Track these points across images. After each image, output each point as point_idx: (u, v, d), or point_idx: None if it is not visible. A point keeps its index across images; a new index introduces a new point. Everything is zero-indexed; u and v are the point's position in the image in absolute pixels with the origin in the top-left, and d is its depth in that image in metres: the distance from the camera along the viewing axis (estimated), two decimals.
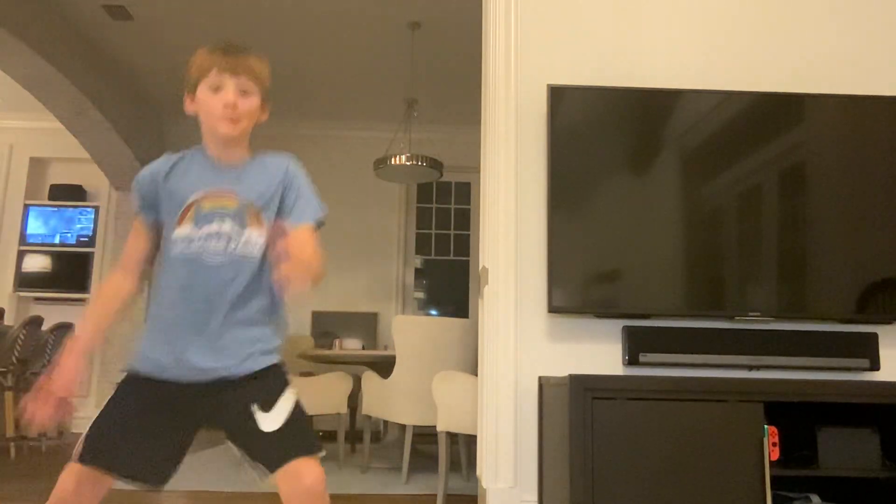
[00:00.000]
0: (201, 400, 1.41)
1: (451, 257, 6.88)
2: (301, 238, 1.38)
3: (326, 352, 4.65)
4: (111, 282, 1.54)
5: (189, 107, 1.51)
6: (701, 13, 2.96)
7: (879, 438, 2.38)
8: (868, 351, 2.63)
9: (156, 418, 1.41)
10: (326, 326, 6.29)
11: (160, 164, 1.52)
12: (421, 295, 6.74)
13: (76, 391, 1.44)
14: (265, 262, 1.45)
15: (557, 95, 2.76)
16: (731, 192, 2.72)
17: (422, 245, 6.86)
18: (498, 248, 2.77)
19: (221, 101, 1.44)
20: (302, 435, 1.41)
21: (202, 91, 1.46)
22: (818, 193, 2.73)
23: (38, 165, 6.89)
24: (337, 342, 5.08)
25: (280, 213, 1.49)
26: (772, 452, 2.28)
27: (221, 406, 1.41)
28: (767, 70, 2.91)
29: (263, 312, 1.46)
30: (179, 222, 1.44)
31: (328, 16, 4.79)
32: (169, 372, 1.41)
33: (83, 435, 1.42)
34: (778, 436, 2.32)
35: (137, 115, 6.19)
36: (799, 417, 2.43)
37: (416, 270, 6.76)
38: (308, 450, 1.38)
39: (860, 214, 2.71)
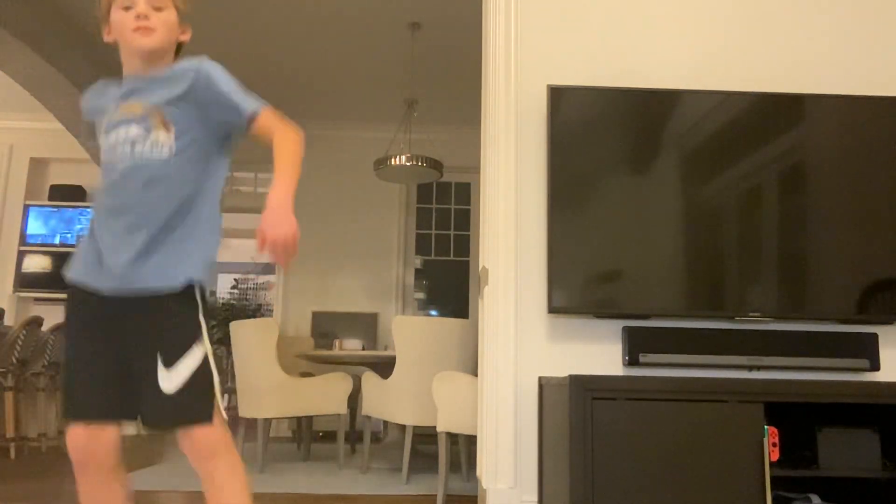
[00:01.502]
0: (121, 315, 1.42)
1: (451, 258, 6.88)
2: (282, 136, 1.46)
3: (326, 352, 4.65)
4: None
5: (107, 36, 1.52)
6: (700, 13, 2.96)
7: (879, 439, 2.38)
8: (868, 351, 2.63)
9: (95, 343, 1.43)
10: (326, 327, 6.29)
11: (98, 84, 1.58)
12: (421, 295, 6.74)
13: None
14: (182, 167, 1.45)
15: (557, 96, 2.76)
16: (731, 192, 2.72)
17: (422, 245, 6.86)
18: (498, 248, 2.77)
19: (132, 14, 1.46)
20: (197, 400, 1.40)
21: (115, 13, 1.48)
22: (818, 193, 2.73)
23: (38, 166, 6.89)
24: (337, 342, 5.08)
25: (209, 113, 1.48)
26: (772, 453, 2.28)
27: (134, 329, 1.42)
28: (767, 70, 2.91)
29: (185, 223, 1.45)
30: (101, 134, 1.49)
31: (328, 16, 4.79)
32: (93, 276, 1.43)
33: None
34: (778, 436, 2.32)
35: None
36: (799, 418, 2.43)
37: (417, 271, 6.76)
38: (200, 418, 1.39)
39: (860, 214, 2.71)
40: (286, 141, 1.47)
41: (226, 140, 1.54)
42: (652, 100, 2.78)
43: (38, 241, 6.70)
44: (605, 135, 2.77)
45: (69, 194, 6.77)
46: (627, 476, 2.26)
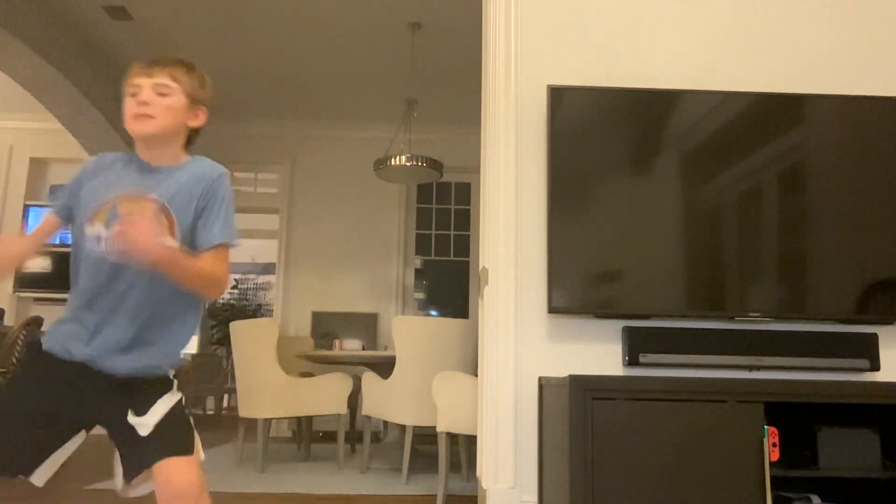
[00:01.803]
0: (92, 393, 1.44)
1: (451, 258, 6.88)
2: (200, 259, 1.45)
3: (326, 352, 4.65)
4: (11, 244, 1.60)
5: (124, 124, 1.53)
6: (701, 14, 2.96)
7: (879, 439, 2.38)
8: (868, 351, 2.63)
9: (46, 402, 1.44)
10: (326, 327, 6.29)
11: (102, 157, 1.56)
12: (421, 295, 6.74)
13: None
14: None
15: (557, 96, 2.76)
16: (731, 192, 2.72)
17: (422, 245, 6.86)
18: (498, 248, 2.77)
19: (136, 101, 1.47)
20: (175, 435, 1.43)
21: (125, 101, 1.50)
22: (818, 194, 2.73)
23: (38, 166, 6.89)
24: (337, 343, 5.08)
25: (195, 226, 1.50)
26: (772, 453, 2.28)
27: (106, 402, 1.45)
28: (767, 70, 2.91)
29: (171, 316, 1.50)
30: (91, 220, 1.48)
31: (328, 16, 4.79)
32: (74, 356, 1.44)
33: None
34: (778, 436, 2.32)
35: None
36: (799, 418, 2.43)
37: (416, 271, 6.76)
38: (179, 450, 1.41)
39: (860, 215, 2.71)
40: (211, 269, 1.48)
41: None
42: (652, 100, 2.78)
43: None
44: (605, 135, 2.77)
45: None
46: (627, 476, 2.26)
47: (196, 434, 1.48)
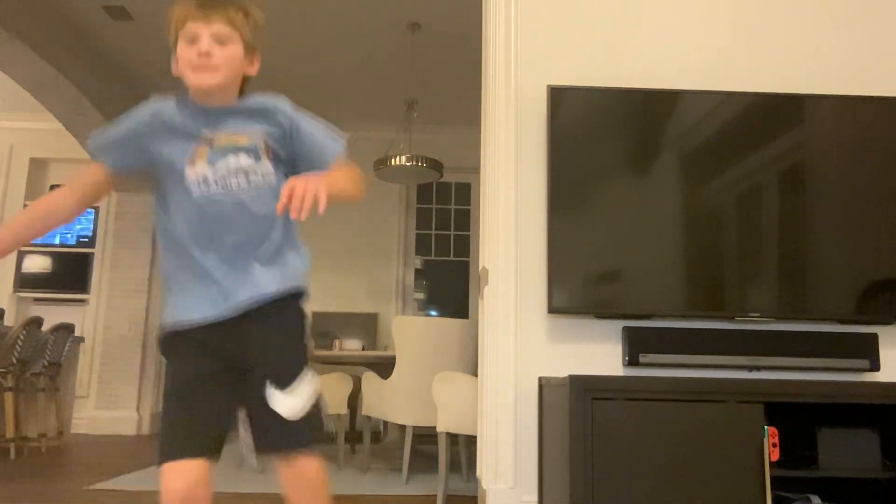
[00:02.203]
0: (233, 335, 1.39)
1: (451, 258, 6.88)
2: (336, 174, 1.40)
3: (326, 352, 4.65)
4: (52, 197, 1.49)
5: (174, 69, 1.43)
6: (701, 14, 2.96)
7: (879, 439, 2.38)
8: (868, 351, 2.63)
9: (207, 374, 1.38)
10: (326, 327, 6.29)
11: (152, 106, 1.45)
12: (421, 295, 6.74)
13: None
14: (277, 194, 1.39)
15: (557, 96, 2.76)
16: (731, 192, 2.72)
17: (422, 246, 6.86)
18: (498, 248, 2.77)
19: (195, 50, 1.37)
20: (311, 425, 1.39)
21: (180, 46, 1.40)
22: (818, 194, 2.73)
23: (38, 166, 6.89)
24: (337, 343, 5.09)
25: (297, 156, 1.46)
26: (772, 453, 2.28)
27: (250, 341, 1.39)
28: (767, 71, 2.91)
29: (286, 240, 1.46)
30: (192, 164, 1.39)
31: (328, 17, 4.80)
32: (204, 311, 1.38)
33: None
34: (778, 436, 2.32)
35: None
36: (799, 418, 2.42)
37: (416, 271, 6.76)
38: (312, 441, 1.40)
39: (860, 215, 2.71)
40: (350, 171, 1.45)
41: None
42: (652, 100, 2.78)
43: (38, 242, 6.70)
44: (605, 135, 2.77)
45: None
46: (627, 476, 2.26)
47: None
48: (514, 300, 2.73)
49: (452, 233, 6.92)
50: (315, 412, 1.39)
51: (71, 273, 6.65)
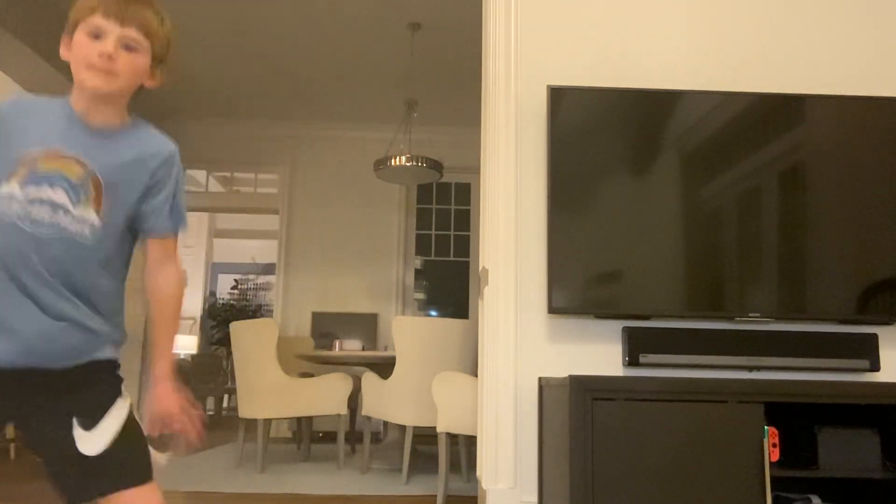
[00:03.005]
0: (9, 395, 1.21)
1: (451, 258, 6.88)
2: (165, 280, 1.32)
3: (326, 353, 4.65)
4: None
5: (64, 52, 1.31)
6: (701, 14, 2.96)
7: (880, 439, 2.38)
8: (868, 352, 2.63)
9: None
10: (326, 327, 6.29)
11: (26, 101, 1.33)
12: (421, 296, 6.74)
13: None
14: (101, 250, 1.25)
15: (557, 96, 2.76)
16: (731, 192, 2.72)
17: (422, 246, 6.86)
18: (498, 248, 2.77)
19: (97, 49, 1.23)
20: (132, 457, 1.23)
21: (80, 34, 1.27)
22: (818, 194, 2.73)
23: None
24: (337, 343, 5.08)
25: (140, 206, 1.29)
26: (772, 453, 2.28)
27: (34, 411, 1.21)
28: (767, 71, 2.91)
29: (95, 307, 1.26)
30: (9, 177, 1.21)
31: (328, 17, 4.80)
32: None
33: None
34: (778, 437, 2.32)
35: (137, 115, 6.19)
36: (799, 418, 2.42)
37: (416, 271, 6.76)
38: (138, 478, 1.21)
39: (860, 215, 2.71)
40: (168, 297, 1.32)
41: (132, 234, 1.33)
42: (652, 100, 2.78)
43: None
44: (605, 135, 2.76)
45: None
46: (627, 476, 2.26)
47: (148, 448, 1.27)
48: (514, 300, 2.73)
49: (452, 233, 6.92)
50: (127, 439, 1.23)
51: None
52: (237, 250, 10.75)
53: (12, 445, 4.50)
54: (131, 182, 1.27)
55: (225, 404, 9.69)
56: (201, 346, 10.16)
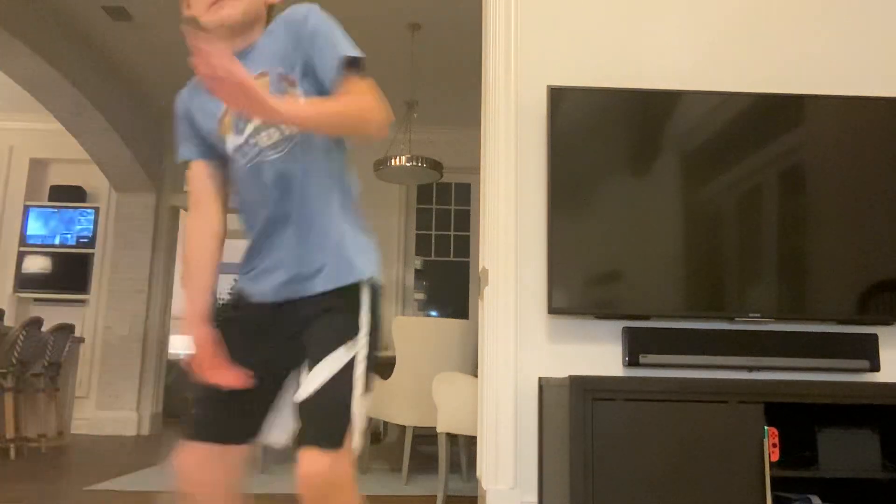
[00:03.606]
0: (281, 324, 1.24)
1: (451, 258, 6.88)
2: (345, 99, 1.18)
3: None
4: (192, 230, 1.35)
5: (185, 10, 1.26)
6: (700, 14, 2.96)
7: (879, 440, 2.38)
8: (868, 352, 2.63)
9: (250, 352, 1.24)
10: None
11: (186, 89, 1.33)
12: (421, 296, 6.74)
13: (219, 354, 1.27)
14: (314, 145, 1.23)
15: (557, 96, 2.76)
16: (731, 193, 2.72)
17: (422, 246, 6.86)
18: (498, 249, 2.77)
19: None
20: (325, 416, 1.14)
21: None
22: (818, 194, 2.73)
23: (38, 166, 6.89)
24: None
25: (315, 73, 1.23)
26: (772, 453, 2.28)
27: (293, 337, 1.23)
28: (767, 71, 2.91)
29: (341, 208, 1.27)
30: (223, 136, 1.24)
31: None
32: (255, 288, 1.27)
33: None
34: (778, 437, 2.32)
35: (137, 115, 6.20)
36: (799, 419, 2.42)
37: (416, 271, 6.76)
38: (326, 439, 1.11)
39: (860, 215, 2.71)
40: (357, 98, 1.19)
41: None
42: (652, 100, 2.78)
43: (38, 242, 6.70)
44: (605, 135, 2.76)
45: (69, 195, 6.77)
46: (627, 477, 2.26)
47: (357, 412, 1.15)
48: (514, 300, 2.73)
49: (452, 233, 6.92)
50: (329, 396, 1.14)
51: (71, 273, 6.64)
52: (237, 250, 10.75)
53: (12, 446, 4.50)
54: (297, 54, 1.21)
55: None
56: None
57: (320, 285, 1.21)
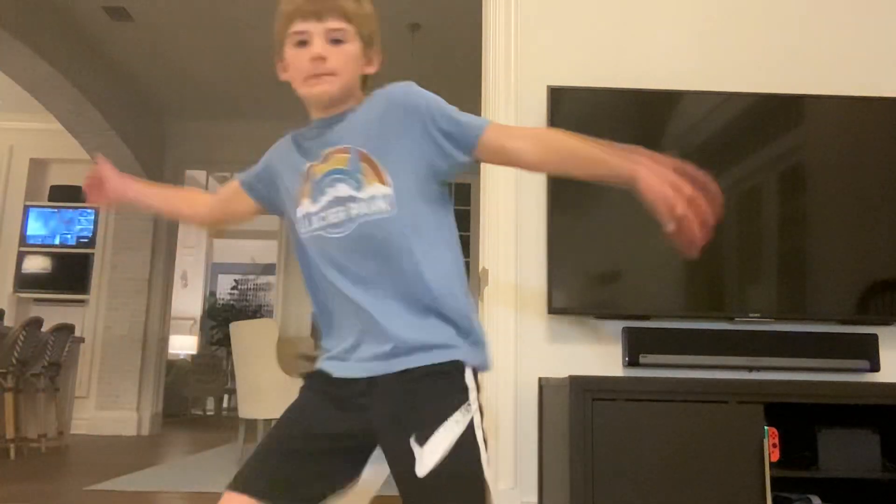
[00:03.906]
0: (360, 407, 1.15)
1: None
2: (540, 135, 1.18)
3: None
4: (197, 195, 1.45)
5: (282, 74, 1.24)
6: (700, 14, 2.96)
7: (879, 440, 2.38)
8: (868, 352, 2.63)
9: (322, 425, 1.15)
10: None
11: (286, 137, 1.30)
12: None
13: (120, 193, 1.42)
14: (406, 216, 1.16)
15: (557, 96, 2.76)
16: (731, 193, 2.72)
17: None
18: (498, 249, 2.77)
19: (307, 55, 1.16)
20: (457, 485, 1.11)
21: (288, 49, 1.19)
22: (818, 194, 2.73)
23: (38, 166, 6.90)
24: None
25: (424, 145, 1.18)
26: (772, 453, 2.28)
27: (376, 419, 1.13)
28: (767, 71, 2.90)
29: (428, 291, 1.15)
30: (297, 202, 1.21)
31: None
32: (336, 364, 1.19)
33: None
34: (778, 437, 2.32)
35: (137, 115, 6.20)
36: (799, 419, 2.42)
37: None
38: None
39: (860, 215, 2.71)
40: (553, 135, 1.19)
41: (443, 176, 1.25)
42: (652, 100, 2.78)
43: (38, 242, 6.71)
44: (605, 135, 2.73)
45: (69, 195, 6.77)
46: (627, 477, 2.26)
47: (486, 476, 1.13)
48: (514, 301, 2.73)
49: None
50: (455, 466, 1.11)
51: (71, 273, 6.65)
52: (237, 251, 10.75)
53: (12, 446, 4.50)
54: (391, 135, 1.18)
55: (225, 404, 9.68)
56: (201, 346, 10.16)
57: (413, 362, 1.15)
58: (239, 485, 1.11)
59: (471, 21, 3.82)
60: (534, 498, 2.61)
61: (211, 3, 4.64)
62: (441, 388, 1.13)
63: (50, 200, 6.80)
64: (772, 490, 2.24)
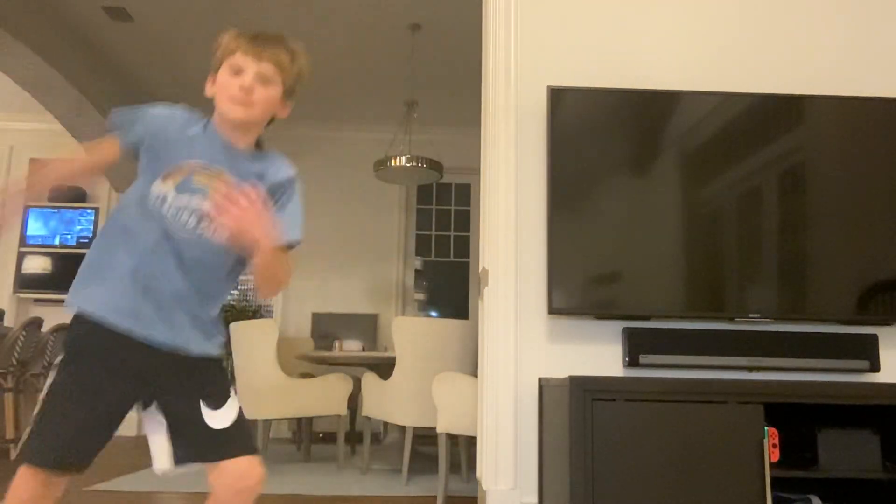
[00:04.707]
0: (155, 371, 1.41)
1: (451, 259, 6.88)
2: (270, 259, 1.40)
3: (326, 353, 4.65)
4: (72, 161, 1.54)
5: (209, 89, 1.47)
6: (701, 15, 2.96)
7: (880, 440, 2.38)
8: (868, 352, 2.63)
9: (108, 385, 1.39)
10: (326, 328, 6.29)
11: (181, 113, 1.50)
12: (421, 296, 6.74)
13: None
14: (231, 258, 1.45)
15: (557, 97, 2.76)
16: (731, 193, 2.72)
17: (422, 246, 6.86)
18: (498, 249, 2.77)
19: (238, 83, 1.41)
20: (247, 435, 1.47)
21: (223, 72, 1.44)
22: (818, 195, 2.73)
23: (38, 166, 6.89)
24: (337, 343, 5.08)
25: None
26: (772, 454, 2.28)
27: (171, 385, 1.42)
28: (767, 71, 2.91)
29: (216, 303, 1.49)
30: (164, 179, 1.41)
31: (328, 17, 4.80)
32: (140, 324, 1.39)
33: (30, 430, 1.42)
34: (778, 437, 2.32)
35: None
36: (799, 419, 2.42)
37: (416, 272, 6.76)
38: (253, 449, 1.44)
39: (860, 216, 2.71)
40: (287, 262, 1.46)
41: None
42: (652, 101, 2.78)
43: (38, 242, 6.70)
44: (605, 136, 2.76)
45: (69, 195, 6.77)
46: (627, 477, 2.26)
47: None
48: (514, 301, 2.73)
49: (452, 233, 6.92)
50: (242, 422, 1.45)
51: (71, 274, 6.54)
52: None
53: (12, 446, 4.49)
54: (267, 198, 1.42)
55: None
56: None
57: (199, 349, 1.45)
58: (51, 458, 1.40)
59: (471, 21, 3.82)
60: (534, 498, 2.61)
61: (211, 4, 4.65)
62: (221, 372, 1.55)
63: (50, 201, 6.80)
64: (772, 490, 2.24)
